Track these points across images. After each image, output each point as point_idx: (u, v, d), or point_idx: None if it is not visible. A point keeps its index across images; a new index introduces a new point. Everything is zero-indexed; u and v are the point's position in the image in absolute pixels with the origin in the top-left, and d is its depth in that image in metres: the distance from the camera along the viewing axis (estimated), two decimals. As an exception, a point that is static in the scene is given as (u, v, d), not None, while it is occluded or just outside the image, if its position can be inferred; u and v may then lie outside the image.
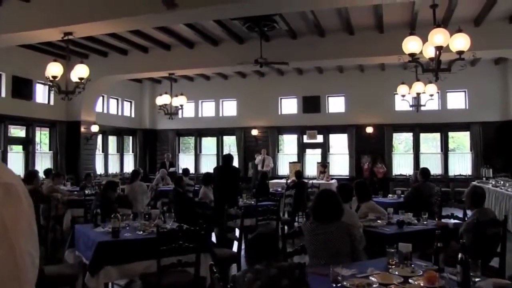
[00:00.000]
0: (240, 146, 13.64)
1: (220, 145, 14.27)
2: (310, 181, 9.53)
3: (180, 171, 10.61)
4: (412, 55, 4.56)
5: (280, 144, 13.90)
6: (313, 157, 13.39)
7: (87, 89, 6.58)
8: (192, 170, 12.52)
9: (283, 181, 10.22)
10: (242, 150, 13.69)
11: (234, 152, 13.72)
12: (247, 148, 13.68)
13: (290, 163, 12.68)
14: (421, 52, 4.64)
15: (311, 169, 13.23)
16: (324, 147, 13.24)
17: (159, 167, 11.79)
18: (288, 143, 14.07)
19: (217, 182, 6.00)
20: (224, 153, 9.77)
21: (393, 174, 12.45)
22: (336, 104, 13.28)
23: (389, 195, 7.40)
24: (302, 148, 13.43)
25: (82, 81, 6.03)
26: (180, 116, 13.03)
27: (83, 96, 9.29)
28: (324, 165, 11.95)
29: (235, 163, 9.15)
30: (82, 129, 11.40)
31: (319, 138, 13.35)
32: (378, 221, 4.30)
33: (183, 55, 10.15)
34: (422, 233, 4.01)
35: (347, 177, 12.47)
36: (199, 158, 14.45)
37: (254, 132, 13.73)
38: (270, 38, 9.46)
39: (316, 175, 12.05)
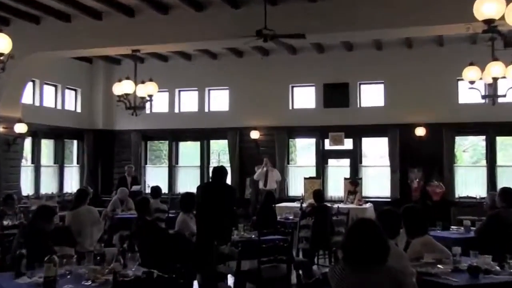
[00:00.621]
0: (234, 155, 13.61)
1: (205, 154, 14.31)
2: (335, 205, 9.56)
3: (148, 191, 10.65)
4: (488, 22, 4.41)
5: (292, 152, 13.96)
6: (338, 170, 13.40)
7: (8, 70, 6.19)
8: (165, 189, 12.47)
9: (296, 205, 10.22)
10: (237, 160, 13.65)
11: (225, 163, 13.80)
12: (243, 157, 13.70)
13: (305, 179, 12.68)
14: (502, 18, 4.47)
15: (335, 187, 13.20)
16: (355, 157, 13.27)
17: (117, 184, 11.79)
18: (303, 151, 14.25)
19: (201, 207, 6.02)
20: (214, 166, 9.66)
21: (456, 196, 12.46)
22: (371, 95, 13.35)
23: (452, 227, 7.42)
24: (323, 157, 13.47)
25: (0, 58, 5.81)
26: (148, 111, 13.20)
27: (1, 80, 9.25)
28: (354, 182, 11.86)
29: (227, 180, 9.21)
30: (0, 129, 11.31)
31: (347, 144, 13.36)
32: (439, 265, 4.25)
33: (153, 24, 10.06)
34: (508, 286, 3.97)
35: (388, 199, 12.46)
36: (175, 172, 14.51)
37: (254, 134, 13.74)
38: (278, 1, 9.47)
39: (343, 196, 11.97)
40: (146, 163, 15.04)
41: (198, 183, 11.64)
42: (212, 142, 14.70)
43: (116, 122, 14.67)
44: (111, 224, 8.72)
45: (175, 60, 14.19)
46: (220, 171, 6.23)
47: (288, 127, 13.73)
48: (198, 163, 14.53)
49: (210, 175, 6.21)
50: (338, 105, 13.28)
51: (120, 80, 9.93)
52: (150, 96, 9.90)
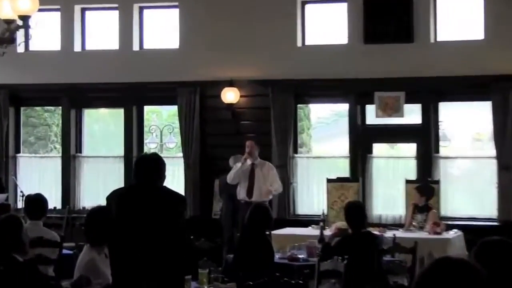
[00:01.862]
0: (190, 136, 12.06)
1: (134, 132, 12.62)
2: (388, 234, 8.96)
3: (21, 205, 10.84)
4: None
5: (302, 130, 12.76)
6: (393, 165, 11.89)
7: None
8: (55, 201, 11.74)
9: (313, 231, 9.29)
10: (196, 145, 12.02)
11: (171, 151, 13.29)
12: (208, 139, 12.19)
13: (329, 181, 11.06)
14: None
15: (388, 199, 11.70)
16: (426, 140, 11.46)
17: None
18: (324, 128, 13.91)
19: (120, 236, 5.35)
20: (144, 153, 10.09)
21: None
22: (456, 19, 11.89)
23: None
24: (363, 140, 11.74)
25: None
26: (21, 49, 11.87)
27: None
28: (426, 189, 10.16)
29: (174, 185, 10.58)
30: None
31: (411, 114, 11.69)
32: None
33: None
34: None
35: (493, 222, 10.77)
36: (75, 167, 12.75)
37: (229, 95, 11.69)
38: None
39: (405, 216, 10.50)
40: (18, 150, 12.98)
41: (115, 188, 8.88)
42: (147, 109, 12.93)
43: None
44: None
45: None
46: (150, 163, 5.36)
47: (295, 82, 11.60)
48: (121, 151, 12.45)
49: (133, 171, 5.52)
50: (393, 39, 11.20)
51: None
52: (25, 18, 8.57)
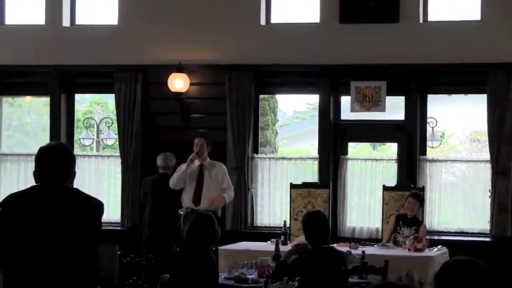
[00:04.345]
0: (130, 129, 11.52)
1: (63, 124, 12.06)
2: (356, 251, 8.72)
3: None
4: None
5: (265, 126, 12.68)
6: (372, 168, 11.47)
7: None
8: None
9: (271, 247, 9.00)
10: (138, 141, 11.41)
11: (108, 149, 12.69)
12: (151, 135, 11.56)
13: (293, 187, 10.72)
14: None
15: (365, 209, 11.31)
16: (410, 138, 11.14)
17: None
18: (291, 123, 14.58)
19: (13, 252, 4.93)
20: (47, 144, 7.18)
21: None
22: None
23: None
24: (336, 138, 11.30)
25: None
26: None
27: None
28: (416, 196, 9.81)
29: (110, 188, 11.60)
30: None
31: (393, 108, 11.59)
32: None
33: None
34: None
35: (486, 237, 10.61)
36: None
37: (178, 82, 11.22)
38: None
39: (385, 230, 10.31)
40: None
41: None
42: (78, 97, 12.43)
43: None
44: None
45: None
46: (58, 156, 4.81)
47: (257, 67, 11.13)
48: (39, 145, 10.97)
49: (35, 168, 4.76)
50: (374, 19, 10.73)
51: None
52: None
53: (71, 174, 4.40)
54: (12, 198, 4.57)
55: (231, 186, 10.00)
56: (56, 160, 4.39)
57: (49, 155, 4.44)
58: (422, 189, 10.10)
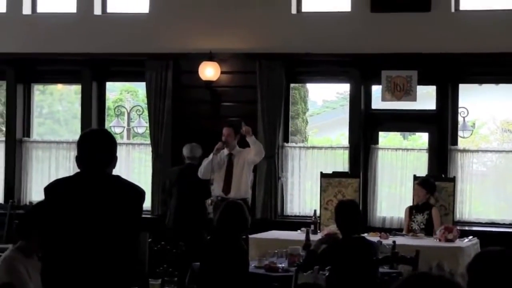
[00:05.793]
0: (161, 117, 11.62)
1: (94, 111, 12.19)
2: (386, 240, 8.70)
3: None
4: None
5: (296, 115, 12.59)
6: (403, 158, 11.41)
7: None
8: None
9: (301, 236, 9.12)
10: (168, 130, 11.60)
11: (138, 137, 12.85)
12: (183, 123, 11.64)
13: (324, 177, 10.78)
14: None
15: (394, 199, 11.30)
16: (442, 127, 11.06)
17: None
18: (321, 113, 14.42)
19: (57, 237, 5.07)
20: (89, 129, 8.31)
21: None
22: None
23: None
24: (366, 127, 11.31)
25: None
26: None
27: None
28: (430, 183, 10.23)
29: (141, 176, 11.70)
30: None
31: (424, 98, 11.57)
32: None
33: None
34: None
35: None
36: (22, 154, 12.40)
37: (209, 71, 11.24)
38: None
39: (404, 221, 10.38)
40: None
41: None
42: (109, 85, 12.37)
43: None
44: None
45: None
46: (101, 142, 5.01)
47: (287, 56, 11.20)
48: (77, 135, 11.27)
49: (78, 154, 4.90)
50: (405, 7, 10.82)
51: None
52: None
53: (114, 158, 4.57)
54: (57, 184, 4.82)
55: (250, 178, 10.11)
56: (98, 145, 4.55)
57: (92, 140, 4.63)
58: (453, 179, 10.26)
